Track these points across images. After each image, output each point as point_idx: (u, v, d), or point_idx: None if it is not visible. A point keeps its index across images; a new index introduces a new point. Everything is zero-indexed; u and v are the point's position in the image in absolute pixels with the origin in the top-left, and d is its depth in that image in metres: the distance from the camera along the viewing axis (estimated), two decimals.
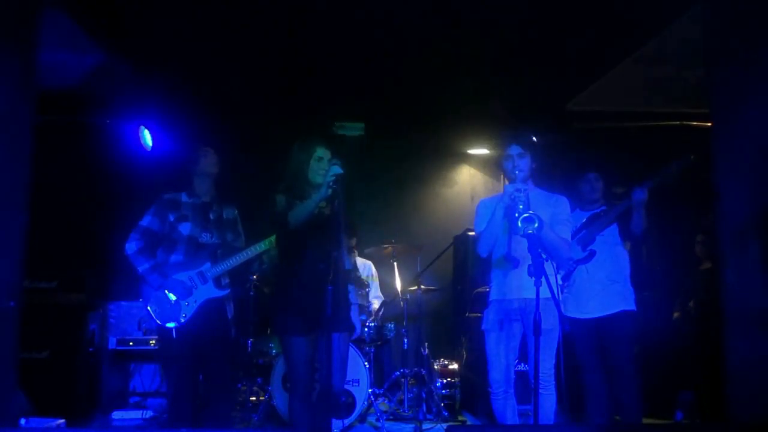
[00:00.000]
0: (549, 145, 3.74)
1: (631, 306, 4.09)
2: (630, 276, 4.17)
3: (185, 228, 3.94)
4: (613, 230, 4.16)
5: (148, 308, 3.91)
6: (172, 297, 3.87)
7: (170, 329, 3.83)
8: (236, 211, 4.20)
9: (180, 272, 3.90)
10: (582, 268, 4.11)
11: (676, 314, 5.78)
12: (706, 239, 5.48)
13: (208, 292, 3.93)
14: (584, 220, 4.22)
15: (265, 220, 3.62)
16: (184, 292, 3.88)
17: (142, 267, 3.87)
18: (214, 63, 5.38)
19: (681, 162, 3.94)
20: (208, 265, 3.95)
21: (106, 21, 4.68)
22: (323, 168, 3.42)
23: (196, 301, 3.90)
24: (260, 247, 3.95)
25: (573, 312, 4.06)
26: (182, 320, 3.86)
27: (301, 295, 3.39)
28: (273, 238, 3.87)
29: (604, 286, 4.07)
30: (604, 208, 4.22)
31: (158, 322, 3.87)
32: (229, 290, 4.03)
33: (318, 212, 3.39)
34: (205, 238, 3.98)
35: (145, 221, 3.95)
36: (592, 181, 4.24)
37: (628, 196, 4.02)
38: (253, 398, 5.44)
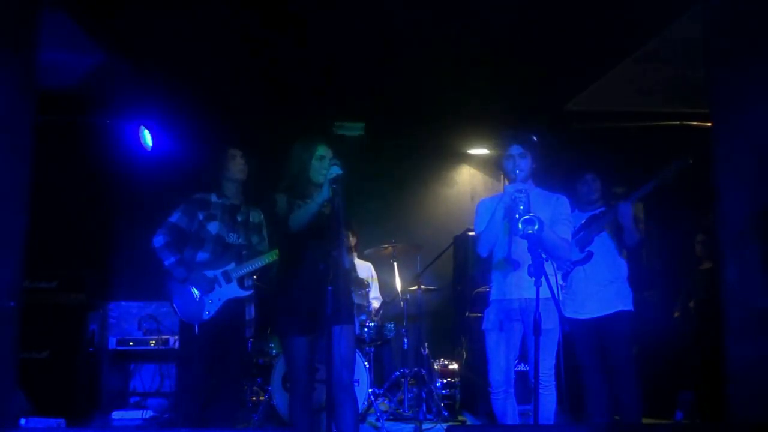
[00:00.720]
0: (548, 145, 3.73)
1: (628, 306, 4.09)
2: (628, 276, 4.17)
3: (213, 227, 3.99)
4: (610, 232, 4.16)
5: (172, 304, 3.95)
6: (196, 293, 3.91)
7: (193, 325, 3.87)
8: (262, 216, 4.22)
9: (206, 270, 3.95)
10: (579, 268, 4.11)
11: (676, 314, 5.78)
12: (706, 239, 5.48)
13: (231, 291, 3.97)
14: (583, 221, 4.22)
15: (267, 221, 3.61)
16: (207, 288, 3.92)
17: (168, 261, 3.92)
18: (214, 63, 5.38)
19: (680, 163, 3.92)
20: (233, 265, 3.99)
21: (106, 21, 4.68)
22: (325, 167, 3.41)
23: (219, 299, 3.94)
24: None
25: (571, 313, 4.05)
26: (205, 316, 3.89)
27: (301, 295, 3.39)
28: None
29: (601, 287, 4.07)
30: (602, 209, 4.22)
31: (181, 317, 3.91)
32: (252, 291, 4.07)
33: (318, 213, 3.39)
34: (232, 238, 4.04)
35: (174, 218, 4.01)
36: (590, 183, 4.23)
37: (613, 208, 4.01)
38: (253, 398, 5.44)
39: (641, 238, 4.05)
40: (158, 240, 3.95)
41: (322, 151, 3.49)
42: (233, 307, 3.99)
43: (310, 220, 3.32)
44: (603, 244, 4.12)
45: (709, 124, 3.79)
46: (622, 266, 4.16)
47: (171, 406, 5.55)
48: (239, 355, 4.10)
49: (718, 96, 3.69)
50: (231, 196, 4.09)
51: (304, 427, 3.37)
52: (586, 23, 4.71)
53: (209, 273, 3.95)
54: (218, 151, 4.10)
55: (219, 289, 3.95)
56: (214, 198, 4.07)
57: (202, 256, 3.97)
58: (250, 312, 4.11)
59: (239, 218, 4.09)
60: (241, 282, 4.00)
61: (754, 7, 3.51)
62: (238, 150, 4.09)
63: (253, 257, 4.04)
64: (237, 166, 4.06)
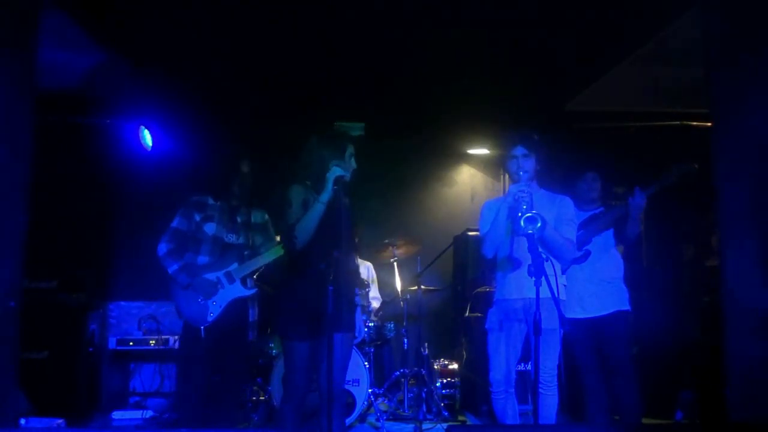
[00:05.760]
0: (549, 145, 3.73)
1: (626, 306, 4.09)
2: (627, 276, 4.17)
3: (210, 228, 4.00)
4: (608, 232, 4.15)
5: (177, 308, 3.96)
6: (200, 296, 3.92)
7: (198, 329, 3.87)
8: (267, 216, 4.21)
9: (208, 273, 3.96)
10: (576, 267, 4.10)
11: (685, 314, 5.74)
12: None
13: (235, 291, 3.98)
14: (582, 220, 4.21)
15: (274, 219, 3.52)
16: (211, 291, 3.92)
17: (172, 268, 3.94)
18: (214, 63, 5.38)
19: (683, 168, 3.91)
20: (235, 265, 4.00)
21: (106, 21, 4.68)
22: (351, 166, 3.43)
23: (223, 300, 3.95)
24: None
25: (569, 312, 4.03)
26: (209, 319, 3.91)
27: (305, 298, 3.33)
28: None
29: (598, 287, 4.06)
30: (602, 209, 4.22)
31: (187, 322, 3.93)
32: (255, 290, 4.08)
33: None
34: (231, 238, 4.04)
35: (175, 222, 4.04)
36: (590, 182, 4.23)
37: (625, 201, 4.01)
38: (253, 398, 5.44)
39: (640, 232, 4.04)
40: (162, 248, 3.97)
41: (351, 150, 3.49)
42: (237, 306, 3.99)
43: (316, 224, 3.28)
44: (600, 243, 4.12)
45: (709, 124, 3.78)
46: (620, 265, 4.16)
47: (172, 406, 5.54)
48: (239, 354, 4.10)
49: (718, 96, 3.69)
50: (230, 198, 4.10)
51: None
52: (586, 23, 4.71)
53: (211, 276, 3.95)
54: (229, 164, 4.10)
55: (222, 290, 3.95)
56: (210, 200, 4.08)
57: (202, 259, 3.98)
58: (253, 314, 4.09)
59: (239, 219, 4.09)
60: (244, 281, 4.01)
61: (754, 7, 3.51)
62: (247, 161, 4.10)
63: (255, 257, 4.04)
64: (246, 180, 4.09)
